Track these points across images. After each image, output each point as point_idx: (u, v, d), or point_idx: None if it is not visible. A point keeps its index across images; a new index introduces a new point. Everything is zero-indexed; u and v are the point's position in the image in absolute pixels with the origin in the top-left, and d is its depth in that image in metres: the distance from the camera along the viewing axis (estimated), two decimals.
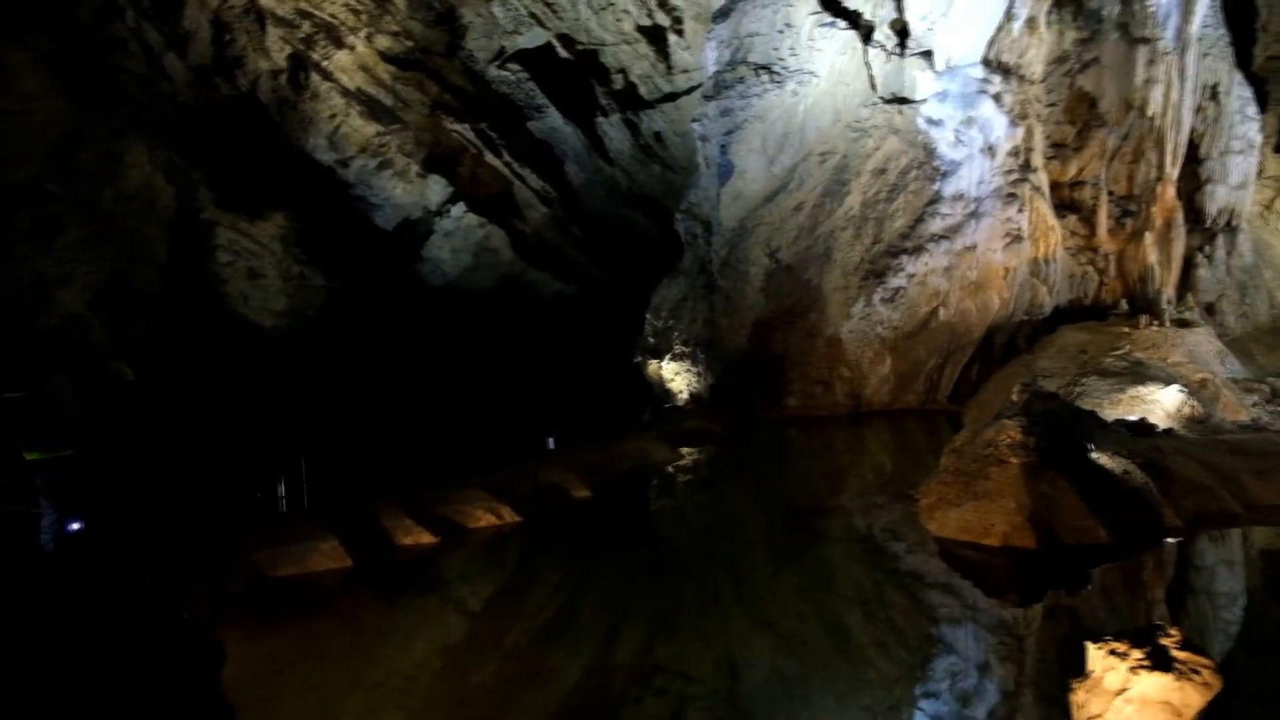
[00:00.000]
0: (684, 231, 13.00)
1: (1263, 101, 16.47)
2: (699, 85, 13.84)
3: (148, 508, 7.55)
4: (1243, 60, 15.93)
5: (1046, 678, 4.38)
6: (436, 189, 16.41)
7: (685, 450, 9.97)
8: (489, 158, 16.98)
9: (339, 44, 15.49)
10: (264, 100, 15.36)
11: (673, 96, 16.10)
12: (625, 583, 6.00)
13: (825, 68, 12.12)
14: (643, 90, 16.38)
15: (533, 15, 15.96)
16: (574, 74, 16.54)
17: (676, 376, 12.02)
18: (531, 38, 16.30)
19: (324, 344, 14.45)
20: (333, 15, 15.38)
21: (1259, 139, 15.81)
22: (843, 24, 12.18)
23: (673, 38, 15.46)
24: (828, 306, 11.43)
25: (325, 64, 15.43)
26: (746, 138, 12.00)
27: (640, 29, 15.63)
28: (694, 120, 12.69)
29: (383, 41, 16.02)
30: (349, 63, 15.68)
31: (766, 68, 12.16)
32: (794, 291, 11.60)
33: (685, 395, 11.97)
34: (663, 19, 15.37)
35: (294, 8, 15.01)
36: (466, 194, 16.63)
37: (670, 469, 9.36)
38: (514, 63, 16.53)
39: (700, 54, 13.98)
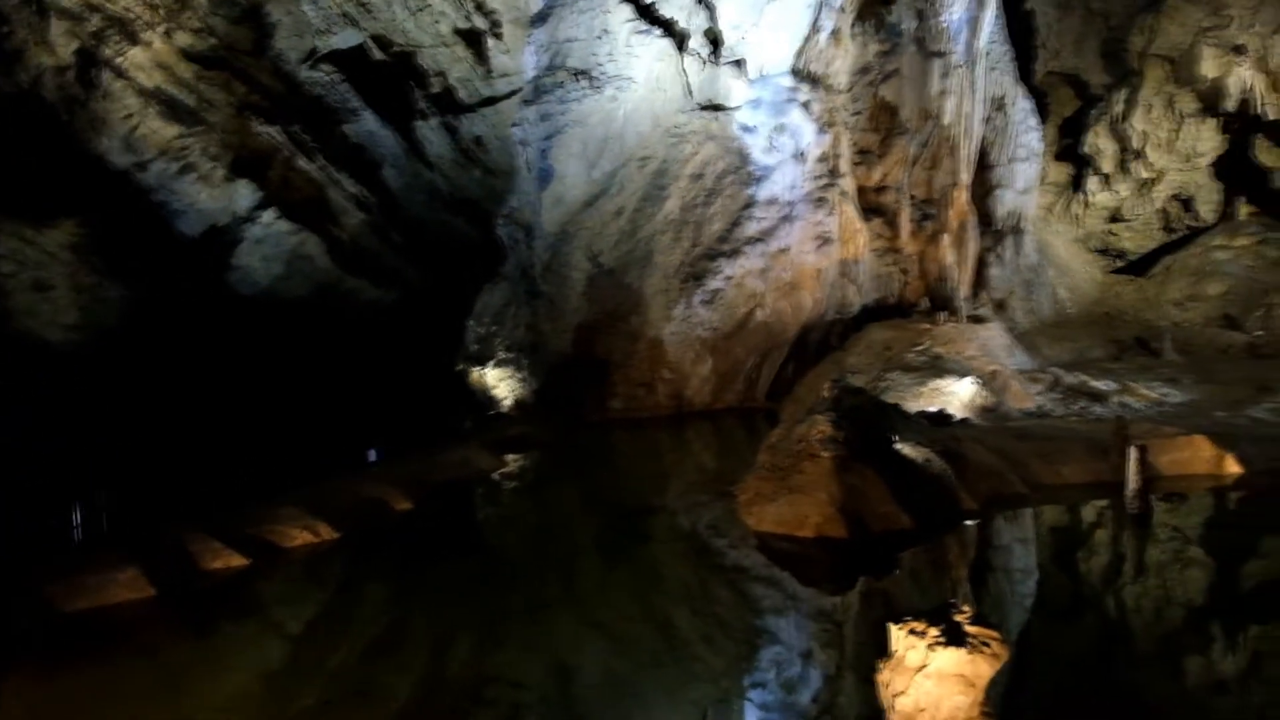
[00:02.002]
0: (506, 236, 12.90)
1: (1043, 112, 17.81)
2: (519, 89, 13.75)
3: None
4: (1025, 75, 17.17)
5: (863, 660, 4.55)
6: (245, 194, 15.64)
7: (510, 457, 9.86)
8: (301, 162, 16.34)
9: (134, 40, 14.55)
10: (49, 98, 14.27)
11: (493, 100, 15.95)
12: (453, 594, 5.88)
13: (643, 74, 12.29)
14: (462, 94, 16.15)
15: (345, 15, 15.48)
16: (391, 76, 16.13)
17: (500, 383, 11.91)
18: (345, 38, 15.79)
19: (125, 359, 13.54)
20: (126, 9, 14.44)
21: (1041, 147, 17.08)
22: (658, 31, 12.37)
23: (491, 41, 15.31)
24: (649, 309, 11.58)
25: (119, 61, 14.46)
26: (566, 142, 12.01)
27: (458, 32, 15.41)
28: (514, 125, 12.61)
29: (183, 38, 15.16)
30: (146, 60, 14.76)
31: (585, 73, 12.22)
32: (616, 295, 11.69)
33: (510, 401, 11.88)
34: (481, 22, 15.20)
35: (81, 0, 14.02)
36: (278, 199, 15.91)
37: (495, 476, 9.25)
38: (327, 63, 15.97)
39: (519, 58, 13.92)
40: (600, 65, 12.22)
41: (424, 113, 16.22)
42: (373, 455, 10.35)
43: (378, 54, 15.84)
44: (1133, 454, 7.13)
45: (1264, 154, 17.29)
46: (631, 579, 6.25)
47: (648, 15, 12.46)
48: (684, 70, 12.53)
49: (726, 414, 11.94)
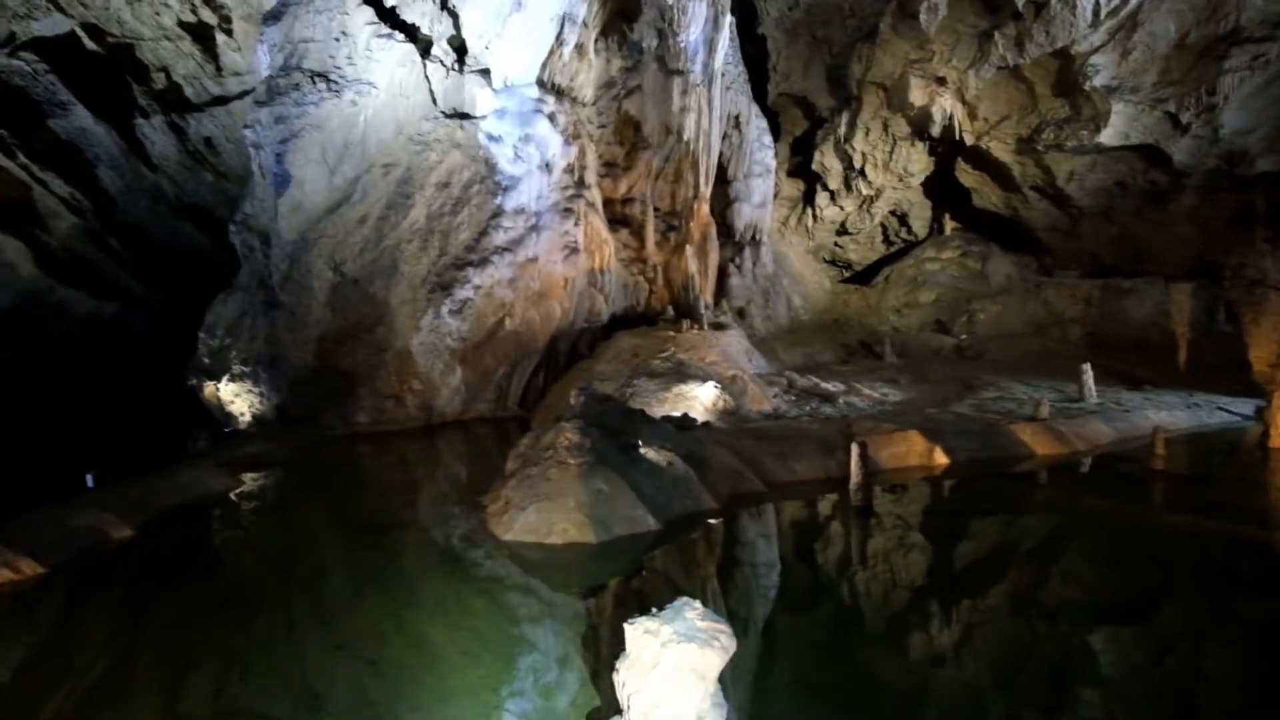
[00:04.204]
0: (240, 244, 12.18)
1: (776, 132, 18.89)
2: (252, 90, 13.04)
3: None
4: (759, 95, 18.15)
5: (616, 660, 4.68)
6: None
7: (248, 476, 9.31)
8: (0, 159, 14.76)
9: None
10: None
11: (224, 100, 15.04)
12: (186, 625, 5.47)
13: (385, 79, 11.98)
14: (189, 92, 15.12)
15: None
16: (107, 69, 14.85)
17: (237, 398, 11.22)
18: (51, 24, 14.35)
19: None
20: None
21: (774, 164, 18.11)
22: (401, 37, 12.10)
23: (221, 37, 14.43)
24: (396, 320, 11.30)
25: None
26: (304, 147, 11.50)
27: (184, 25, 14.40)
28: (246, 127, 11.93)
29: None
30: None
31: (323, 75, 11.76)
32: (361, 305, 11.33)
33: (247, 418, 11.21)
34: (209, 16, 14.29)
35: None
36: None
37: (233, 497, 8.69)
38: (29, 51, 14.49)
39: (252, 57, 13.20)
40: (340, 68, 11.80)
41: (146, 110, 15.06)
42: (91, 480, 9.48)
43: (91, 44, 14.54)
44: (855, 450, 7.70)
45: (964, 175, 19.17)
46: (383, 597, 6.07)
47: (390, 19, 12.17)
48: (428, 77, 12.33)
49: (478, 424, 11.83)
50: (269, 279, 11.58)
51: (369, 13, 11.99)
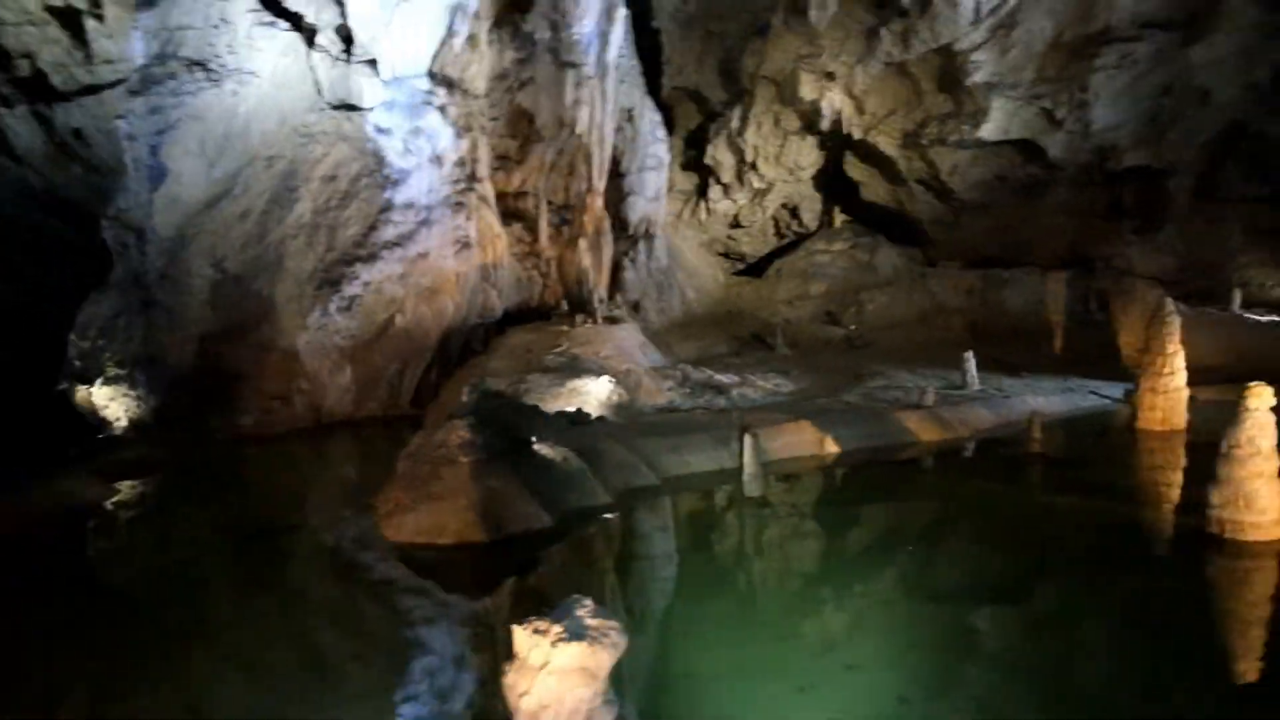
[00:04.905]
0: (113, 240, 11.61)
1: (670, 125, 18.96)
2: (126, 79, 12.48)
3: None
4: (653, 89, 18.20)
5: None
6: None
7: (126, 484, 8.96)
8: None
9: None
10: None
11: (95, 89, 14.30)
12: (59, 642, 5.22)
13: (268, 69, 11.61)
14: (56, 80, 14.34)
15: None
16: None
17: (112, 402, 10.74)
18: None
19: None
20: None
21: (668, 157, 18.18)
22: (284, 25, 11.74)
23: (91, 23, 13.71)
24: (281, 318, 10.98)
25: None
26: (181, 139, 11.08)
27: (51, 9, 13.64)
28: (119, 117, 11.43)
29: None
30: None
31: (202, 64, 11.34)
32: (244, 303, 10.97)
33: (124, 422, 10.75)
34: (79, 0, 13.62)
35: None
36: None
37: (109, 506, 8.35)
38: None
39: (125, 44, 12.61)
40: (219, 57, 11.39)
41: (8, 99, 14.25)
42: None
43: None
44: (747, 441, 7.82)
45: (853, 169, 19.61)
46: (271, 603, 5.95)
47: (272, 6, 11.78)
48: (313, 67, 12.00)
49: (369, 423, 11.61)
50: (145, 277, 11.11)
51: None
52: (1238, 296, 13.92)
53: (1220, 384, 9.86)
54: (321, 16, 12.09)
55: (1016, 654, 5.01)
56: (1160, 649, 4.94)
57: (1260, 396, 6.20)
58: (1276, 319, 13.31)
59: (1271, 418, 6.17)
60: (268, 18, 11.66)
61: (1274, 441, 6.15)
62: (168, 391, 10.74)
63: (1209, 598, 5.86)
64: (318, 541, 7.50)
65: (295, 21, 11.93)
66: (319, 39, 12.05)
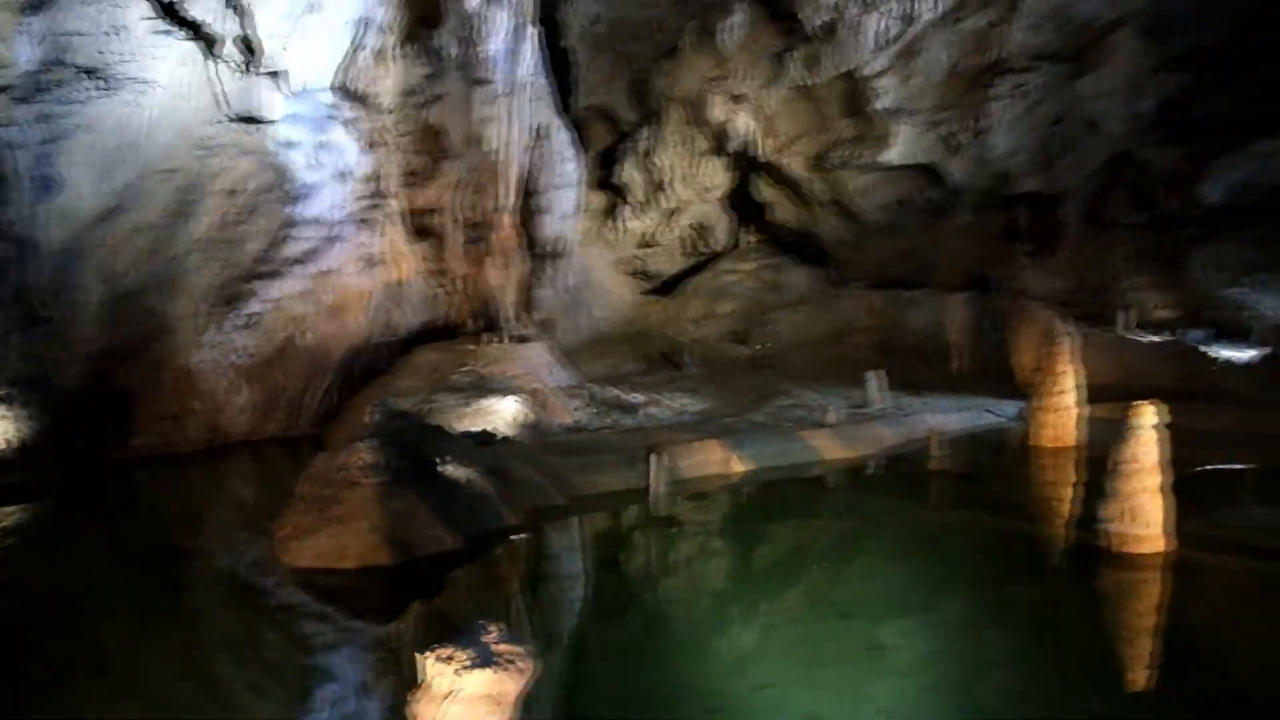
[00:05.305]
0: None
1: (582, 143, 18.99)
2: (11, 85, 11.96)
3: None
4: (565, 107, 18.21)
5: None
6: None
7: (8, 509, 8.56)
8: None
9: None
10: None
11: None
12: None
13: (166, 78, 11.27)
14: None
15: None
16: None
17: None
18: None
19: None
20: None
21: (580, 176, 18.15)
22: (183, 33, 11.41)
23: None
24: (177, 335, 10.63)
25: None
26: (72, 149, 10.65)
27: None
28: (3, 125, 10.94)
29: None
30: None
31: (96, 72, 10.92)
32: (138, 320, 10.59)
33: (6, 445, 10.25)
34: None
35: None
36: None
37: None
38: None
39: (11, 48, 12.10)
40: (114, 65, 10.99)
41: None
42: None
43: None
44: (655, 461, 7.85)
45: (763, 190, 19.92)
46: (166, 633, 5.75)
47: (171, 14, 11.45)
48: (216, 78, 11.67)
49: (270, 444, 11.30)
50: (29, 292, 10.62)
51: (146, 6, 11.26)
52: (1125, 318, 14.50)
53: (1109, 402, 10.28)
54: (223, 26, 11.80)
55: (923, 667, 5.12)
56: (1059, 659, 5.13)
57: (1145, 414, 6.47)
58: (1161, 339, 13.91)
59: (1155, 435, 6.44)
60: (165, 25, 11.32)
61: (1158, 458, 6.42)
62: (56, 412, 10.26)
63: (1102, 609, 6.08)
64: (214, 567, 7.26)
65: (195, 30, 11.61)
66: (221, 49, 11.76)
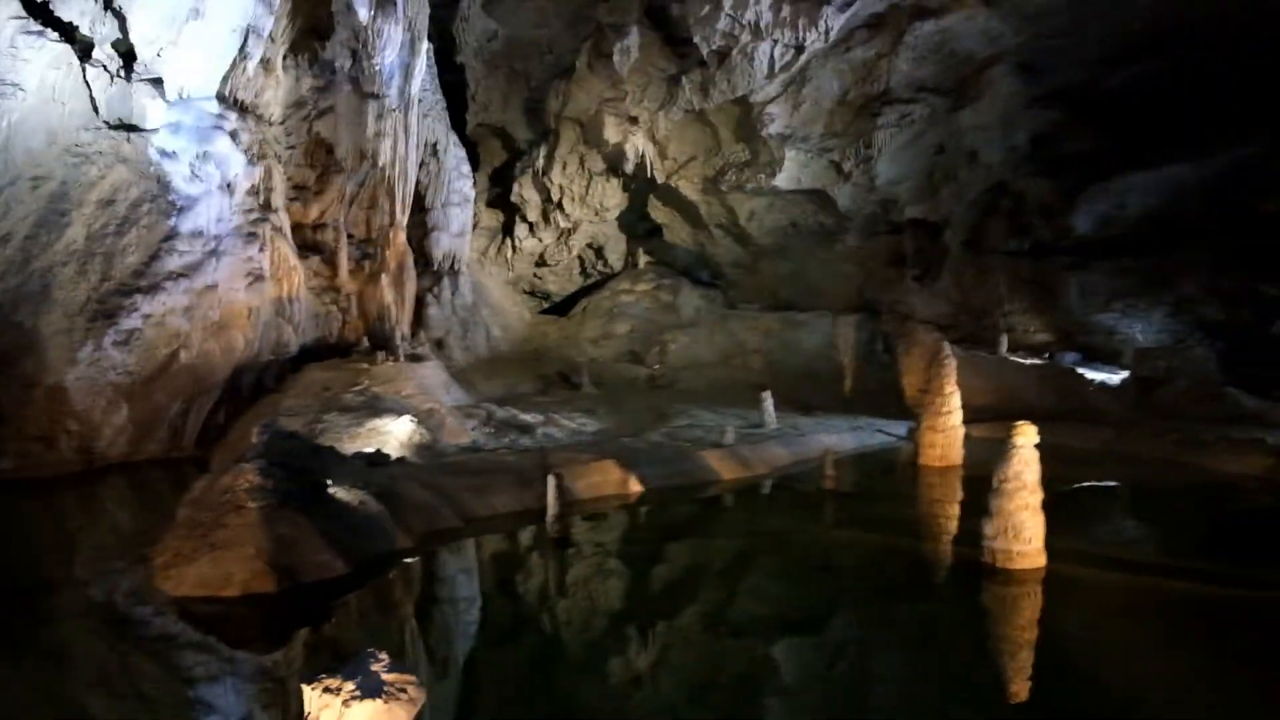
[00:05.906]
0: None
1: (476, 161, 18.88)
2: None
3: None
4: (458, 125, 18.06)
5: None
6: None
7: None
8: None
9: None
10: None
11: None
12: None
13: (35, 82, 10.76)
14: None
15: None
16: None
17: None
18: None
19: None
20: None
21: (473, 194, 18.06)
22: (54, 35, 10.92)
23: None
24: (47, 352, 10.05)
25: None
26: None
27: None
28: None
29: None
30: None
31: None
32: (4, 335, 9.99)
33: None
34: None
35: None
36: None
37: None
38: None
39: None
40: None
41: None
42: None
43: None
44: (551, 481, 7.77)
45: (657, 211, 20.10)
46: (35, 669, 5.39)
47: (40, 15, 10.95)
48: (89, 83, 11.19)
49: (149, 466, 10.77)
50: None
51: (15, 6, 10.73)
52: (1005, 341, 15.10)
53: (991, 421, 10.66)
54: (99, 29, 11.34)
55: (814, 683, 5.19)
56: (942, 672, 5.27)
57: (1025, 434, 6.72)
58: (1038, 361, 14.52)
59: (1035, 453, 6.69)
60: (35, 27, 10.82)
61: (1038, 475, 6.66)
62: None
63: (984, 624, 6.26)
64: (85, 597, 6.82)
65: (68, 33, 11.13)
66: (96, 53, 11.28)
